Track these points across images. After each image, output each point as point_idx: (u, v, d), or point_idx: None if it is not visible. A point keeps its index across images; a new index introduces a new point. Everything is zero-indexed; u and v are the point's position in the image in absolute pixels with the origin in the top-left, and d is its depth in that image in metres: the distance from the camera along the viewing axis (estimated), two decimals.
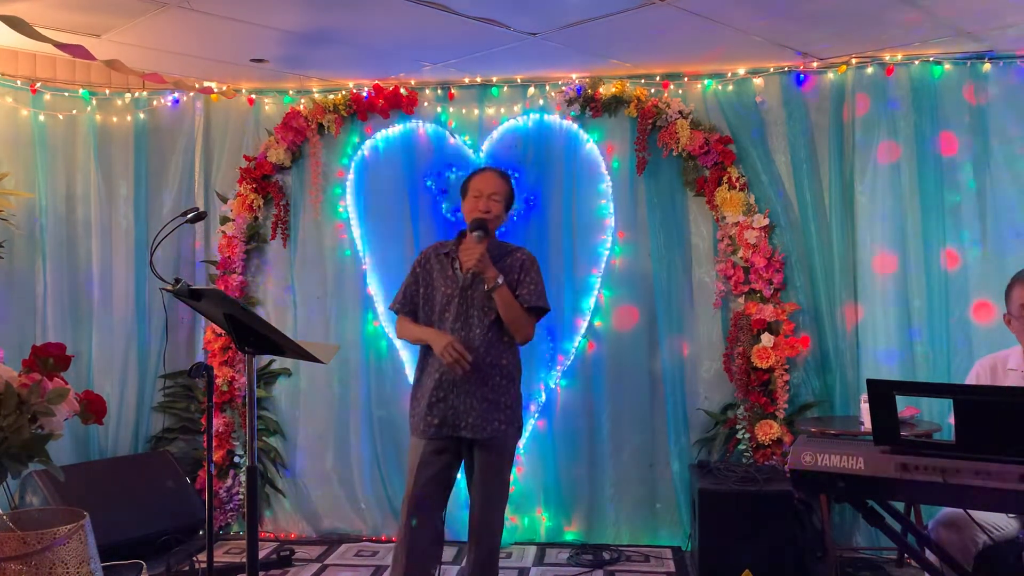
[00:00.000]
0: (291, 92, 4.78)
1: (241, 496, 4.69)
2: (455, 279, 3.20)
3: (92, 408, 2.27)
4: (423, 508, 3.14)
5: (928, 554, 2.79)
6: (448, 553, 4.27)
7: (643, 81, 4.48)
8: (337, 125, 4.67)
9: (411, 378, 3.44)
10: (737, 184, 4.31)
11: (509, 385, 3.19)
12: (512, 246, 3.34)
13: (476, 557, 3.18)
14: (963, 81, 4.15)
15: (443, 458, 3.16)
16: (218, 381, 4.61)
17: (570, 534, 4.55)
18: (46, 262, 4.56)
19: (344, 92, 4.67)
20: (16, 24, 3.15)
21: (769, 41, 3.93)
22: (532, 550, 4.44)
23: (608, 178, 4.54)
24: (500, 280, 3.09)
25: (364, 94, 4.64)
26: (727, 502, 3.77)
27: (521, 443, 4.55)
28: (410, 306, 3.32)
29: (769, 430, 4.17)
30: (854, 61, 4.23)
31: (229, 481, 4.68)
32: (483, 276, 3.10)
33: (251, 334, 2.50)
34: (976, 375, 3.23)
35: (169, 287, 2.45)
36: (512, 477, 4.53)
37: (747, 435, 4.26)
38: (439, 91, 4.66)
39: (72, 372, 2.41)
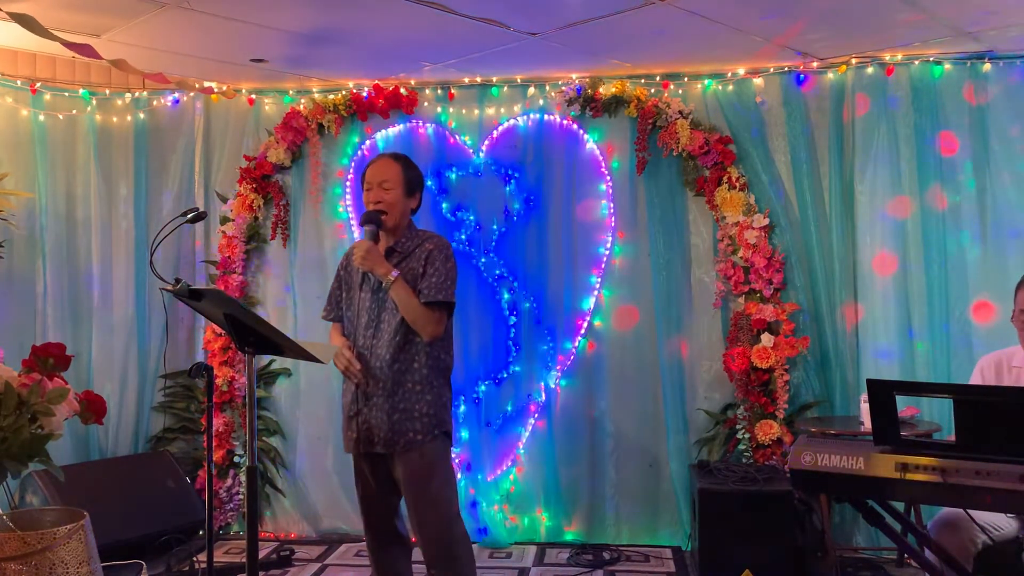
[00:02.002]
0: (291, 92, 4.78)
1: (241, 496, 4.69)
2: (368, 280, 3.00)
3: (92, 408, 2.26)
4: (373, 524, 3.04)
5: (928, 554, 2.79)
6: None
7: (643, 81, 4.48)
8: (337, 125, 4.67)
9: None
10: (737, 184, 4.31)
11: (425, 391, 2.91)
12: (426, 234, 3.07)
13: (427, 557, 2.96)
14: (963, 81, 4.15)
15: (375, 473, 2.98)
16: (218, 381, 4.61)
17: (570, 534, 4.55)
18: (46, 262, 4.56)
19: (344, 92, 4.67)
20: (27, 22, 3.16)
21: (769, 41, 3.93)
22: (532, 550, 4.44)
23: (608, 178, 4.54)
24: (392, 276, 2.87)
25: (364, 94, 4.64)
26: (727, 502, 3.76)
27: (521, 443, 4.56)
28: (336, 311, 3.13)
29: (769, 430, 4.17)
30: (854, 61, 4.23)
31: (229, 481, 4.68)
32: (375, 273, 2.91)
33: (251, 334, 2.50)
34: (981, 371, 3.23)
35: (169, 287, 2.45)
36: (513, 476, 4.56)
37: (747, 435, 4.26)
38: (439, 91, 4.66)
39: (72, 372, 2.41)
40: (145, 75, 4.12)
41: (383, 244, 2.99)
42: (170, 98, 4.83)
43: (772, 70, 4.35)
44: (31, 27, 3.18)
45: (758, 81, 4.39)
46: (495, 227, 4.62)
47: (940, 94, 4.17)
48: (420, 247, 2.99)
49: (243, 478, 4.60)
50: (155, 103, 4.82)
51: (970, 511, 2.68)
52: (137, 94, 4.80)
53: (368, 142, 4.73)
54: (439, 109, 4.68)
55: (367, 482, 3.01)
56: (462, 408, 4.56)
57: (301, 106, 4.70)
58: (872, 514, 2.41)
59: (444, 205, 4.65)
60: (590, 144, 4.56)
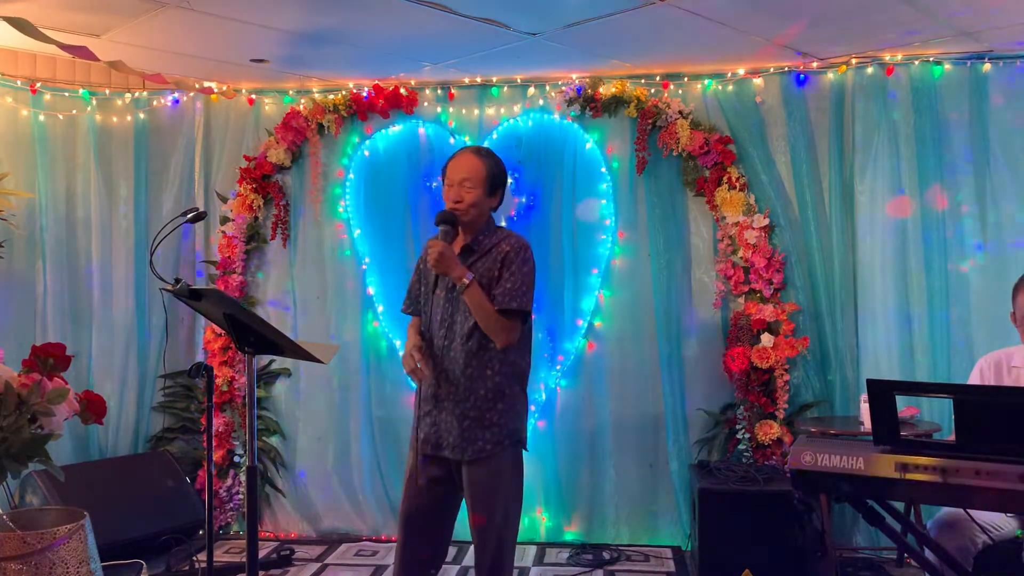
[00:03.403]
0: (291, 92, 4.78)
1: (241, 496, 4.69)
2: (443, 279, 2.87)
3: (92, 408, 2.27)
4: (411, 523, 2.90)
5: (928, 554, 2.79)
6: (450, 553, 4.27)
7: (643, 81, 4.48)
8: (337, 125, 4.67)
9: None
10: (737, 184, 4.31)
11: (497, 399, 2.80)
12: (504, 232, 2.93)
13: (479, 568, 2.89)
14: (963, 81, 4.15)
15: (434, 473, 2.87)
16: (218, 381, 4.61)
17: (570, 534, 4.55)
18: (46, 262, 4.56)
19: (344, 92, 4.67)
20: (21, 26, 3.16)
21: (769, 41, 3.93)
22: (532, 550, 4.44)
23: (608, 178, 4.55)
24: (468, 279, 2.74)
25: (364, 94, 4.64)
26: (727, 502, 3.77)
27: None
28: (415, 306, 3.02)
29: (769, 430, 4.17)
30: (854, 61, 4.23)
31: (229, 481, 4.68)
32: (449, 276, 2.79)
33: (251, 334, 2.50)
34: (980, 370, 3.23)
35: (169, 287, 2.45)
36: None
37: (747, 435, 4.26)
38: (439, 91, 4.67)
39: (72, 372, 2.41)
40: (143, 75, 4.12)
41: (459, 242, 2.88)
42: (170, 98, 4.83)
43: (772, 70, 4.35)
44: (26, 30, 3.18)
45: (758, 81, 4.39)
46: None
47: (940, 94, 4.16)
48: (497, 247, 2.86)
49: (243, 478, 4.60)
50: (155, 103, 4.82)
51: (970, 511, 2.68)
52: (137, 94, 4.80)
53: (368, 142, 4.73)
54: (439, 109, 4.68)
55: (422, 490, 2.87)
56: None
57: (301, 106, 4.70)
58: (872, 514, 2.41)
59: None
60: (590, 144, 4.55)
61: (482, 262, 2.84)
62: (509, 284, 2.80)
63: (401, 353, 2.91)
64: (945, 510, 2.88)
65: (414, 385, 2.98)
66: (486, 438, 2.79)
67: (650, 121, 4.40)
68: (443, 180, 2.92)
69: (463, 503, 2.93)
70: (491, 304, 2.78)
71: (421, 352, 2.83)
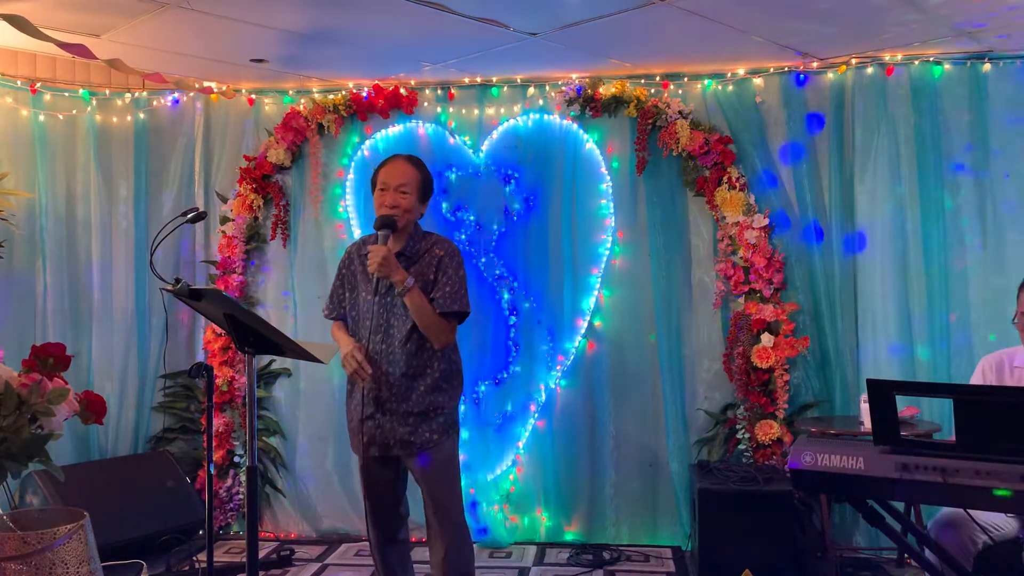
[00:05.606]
0: (291, 92, 4.78)
1: (241, 496, 4.69)
2: (374, 283, 2.94)
3: (92, 408, 2.26)
4: (382, 523, 3.06)
5: (928, 554, 2.79)
6: None
7: (643, 81, 4.48)
8: (337, 125, 4.67)
9: None
10: (737, 184, 4.31)
11: (438, 395, 2.94)
12: (434, 237, 3.04)
13: (443, 556, 2.98)
14: (963, 81, 4.15)
15: (385, 474, 3.00)
16: (218, 381, 4.61)
17: (570, 534, 4.55)
18: (46, 262, 4.56)
19: (344, 92, 4.67)
20: (19, 24, 3.16)
21: (769, 41, 3.93)
22: (532, 550, 4.44)
23: (608, 178, 4.54)
24: (409, 283, 2.84)
25: (364, 94, 4.64)
26: (727, 502, 3.77)
27: (521, 443, 4.57)
28: (339, 310, 3.11)
29: (769, 430, 4.17)
30: (854, 61, 4.23)
31: (229, 481, 4.68)
32: (391, 280, 2.86)
33: (251, 334, 2.50)
34: (982, 371, 3.23)
35: (169, 287, 2.45)
36: (513, 476, 4.56)
37: (747, 435, 4.26)
38: (439, 91, 4.67)
39: (72, 372, 2.41)
40: (143, 75, 4.12)
41: (392, 248, 2.93)
42: (170, 98, 4.83)
43: (772, 70, 4.35)
44: (23, 28, 3.18)
45: (758, 81, 4.38)
46: (495, 227, 4.62)
47: (940, 94, 4.17)
48: (429, 252, 2.97)
49: (243, 478, 4.60)
50: (155, 103, 4.82)
51: (970, 511, 2.68)
52: (137, 94, 4.80)
53: (368, 142, 4.73)
54: (439, 109, 4.68)
55: (377, 483, 3.01)
56: (462, 408, 4.56)
57: (301, 106, 4.70)
58: (872, 514, 2.41)
59: (444, 205, 4.65)
60: (590, 144, 4.55)
61: (416, 267, 2.94)
62: (448, 288, 2.92)
63: (343, 355, 2.94)
64: (945, 510, 2.88)
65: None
66: (433, 428, 2.93)
67: (650, 121, 4.40)
68: (374, 187, 3.01)
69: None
70: (431, 306, 2.89)
71: (361, 352, 2.90)
